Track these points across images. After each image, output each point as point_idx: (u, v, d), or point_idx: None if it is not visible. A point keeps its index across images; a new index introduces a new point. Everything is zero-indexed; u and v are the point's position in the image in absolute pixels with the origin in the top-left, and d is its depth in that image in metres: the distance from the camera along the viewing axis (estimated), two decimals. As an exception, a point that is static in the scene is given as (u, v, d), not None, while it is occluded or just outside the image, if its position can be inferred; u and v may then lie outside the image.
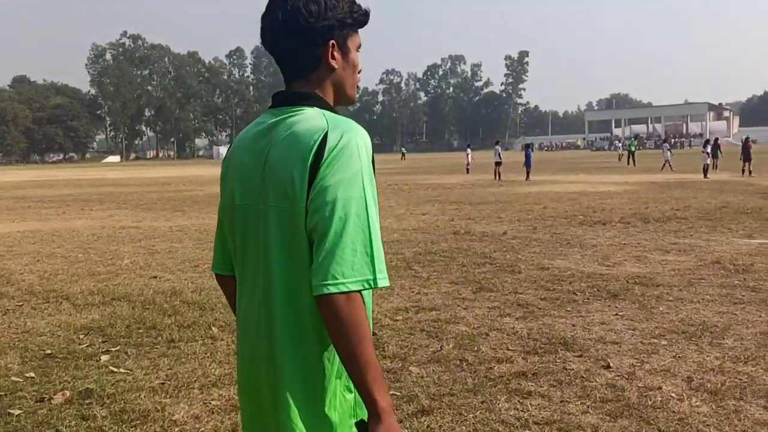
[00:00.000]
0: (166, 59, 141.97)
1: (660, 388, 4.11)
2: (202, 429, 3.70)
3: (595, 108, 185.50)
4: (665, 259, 8.50)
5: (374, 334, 5.38)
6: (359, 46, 1.63)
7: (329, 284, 1.36)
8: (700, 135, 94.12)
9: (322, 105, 1.55)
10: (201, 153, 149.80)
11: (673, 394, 4.00)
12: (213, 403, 4.02)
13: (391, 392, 4.10)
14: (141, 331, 5.67)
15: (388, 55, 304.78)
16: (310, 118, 1.49)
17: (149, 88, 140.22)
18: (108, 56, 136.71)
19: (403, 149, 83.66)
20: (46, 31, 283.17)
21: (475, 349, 4.96)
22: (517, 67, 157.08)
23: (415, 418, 3.72)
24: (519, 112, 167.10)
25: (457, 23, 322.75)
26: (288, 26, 1.51)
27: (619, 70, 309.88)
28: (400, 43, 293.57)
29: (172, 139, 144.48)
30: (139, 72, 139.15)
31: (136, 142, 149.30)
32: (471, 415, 3.74)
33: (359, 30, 1.62)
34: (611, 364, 4.55)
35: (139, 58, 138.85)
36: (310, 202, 1.41)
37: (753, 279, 7.14)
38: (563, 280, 7.36)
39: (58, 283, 7.82)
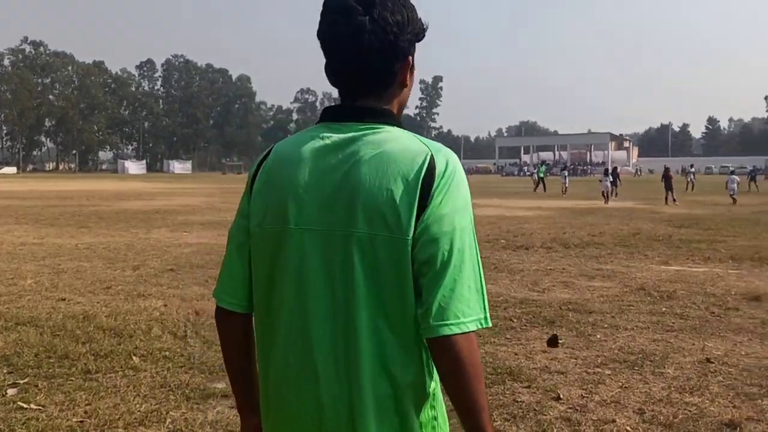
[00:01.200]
0: (70, 67, 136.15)
1: (614, 420, 4.02)
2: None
3: (505, 135, 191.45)
4: (592, 285, 8.60)
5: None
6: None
7: (451, 324, 1.24)
8: (603, 163, 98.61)
9: (400, 125, 1.38)
10: (105, 167, 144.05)
11: (628, 428, 3.92)
12: (142, 444, 3.62)
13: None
14: (52, 360, 5.13)
15: (303, 74, 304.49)
16: (401, 138, 1.33)
17: (51, 97, 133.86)
18: (6, 62, 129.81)
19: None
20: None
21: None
22: (432, 91, 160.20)
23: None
24: (433, 135, 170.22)
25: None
26: (374, 38, 1.31)
27: (528, 99, 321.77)
28: (315, 62, 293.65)
29: (74, 151, 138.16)
30: (40, 80, 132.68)
31: (35, 153, 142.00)
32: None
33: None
34: (561, 396, 4.44)
35: (41, 65, 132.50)
36: (422, 231, 1.26)
37: (678, 306, 7.28)
38: (498, 306, 7.28)
39: (-49, 306, 7.08)
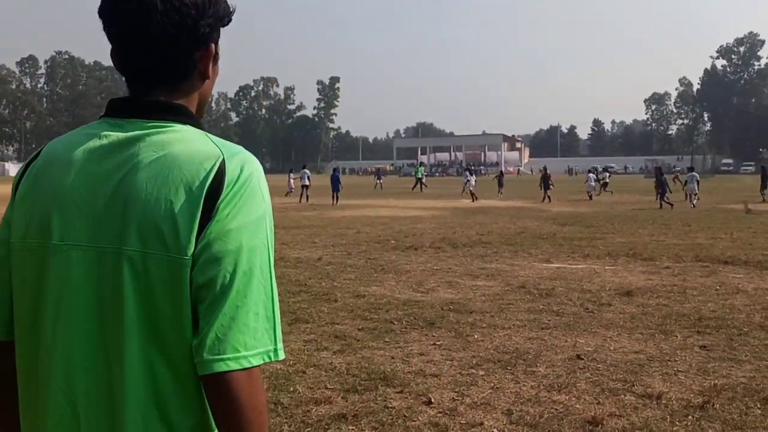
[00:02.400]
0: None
1: (482, 423, 4.00)
2: None
3: (403, 136, 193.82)
4: (475, 284, 8.70)
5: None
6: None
7: (228, 359, 1.03)
8: (497, 163, 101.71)
9: (196, 123, 1.18)
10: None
11: (495, 430, 3.90)
12: None
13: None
14: None
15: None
16: (192, 140, 1.13)
17: None
18: None
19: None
20: None
21: (291, 389, 4.57)
22: (329, 92, 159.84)
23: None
24: (331, 136, 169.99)
25: (269, 45, 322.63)
26: (166, 20, 1.11)
27: (425, 100, 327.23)
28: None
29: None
30: None
31: None
32: (288, 472, 3.35)
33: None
34: (432, 400, 4.39)
35: None
36: (202, 249, 1.05)
37: (555, 303, 7.46)
38: (380, 308, 7.20)
39: None
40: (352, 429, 3.89)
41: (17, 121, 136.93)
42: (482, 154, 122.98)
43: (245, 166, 1.11)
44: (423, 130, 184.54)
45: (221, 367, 1.02)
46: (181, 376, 1.08)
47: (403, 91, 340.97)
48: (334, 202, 28.27)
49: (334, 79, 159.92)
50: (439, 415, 4.14)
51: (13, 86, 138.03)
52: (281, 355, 1.10)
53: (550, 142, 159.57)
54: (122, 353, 1.06)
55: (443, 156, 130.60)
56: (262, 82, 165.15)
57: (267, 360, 1.07)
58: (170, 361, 1.07)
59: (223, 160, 1.10)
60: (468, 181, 33.42)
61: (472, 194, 30.77)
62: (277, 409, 4.20)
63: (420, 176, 44.43)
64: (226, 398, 1.03)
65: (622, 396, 4.46)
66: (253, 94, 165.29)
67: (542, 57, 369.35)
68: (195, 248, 1.05)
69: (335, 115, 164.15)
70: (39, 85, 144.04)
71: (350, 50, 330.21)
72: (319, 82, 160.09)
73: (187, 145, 1.11)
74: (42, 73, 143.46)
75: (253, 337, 1.05)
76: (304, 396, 4.44)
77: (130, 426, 1.07)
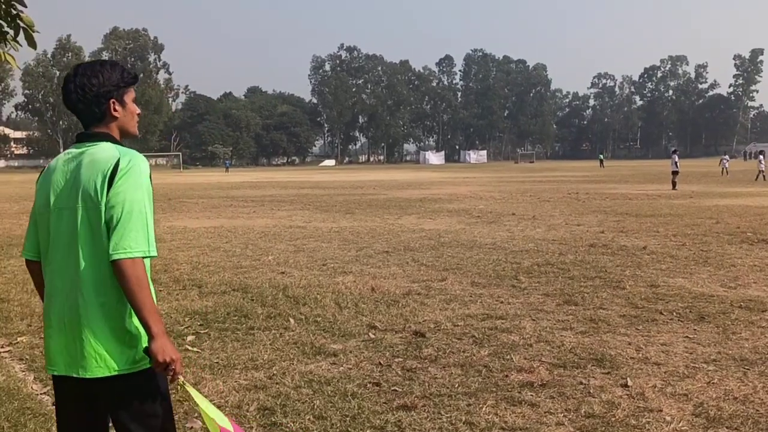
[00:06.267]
0: (380, 68, 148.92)
1: (660, 410, 4.02)
2: (224, 402, 4.33)
3: None
4: (802, 284, 7.72)
5: (423, 335, 5.72)
6: (134, 98, 2.42)
7: (121, 253, 2.13)
8: None
9: (113, 140, 2.30)
10: (408, 158, 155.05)
11: (667, 417, 3.91)
12: (241, 382, 4.66)
13: (393, 388, 4.46)
14: (234, 318, 6.50)
15: (599, 58, 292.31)
16: (107, 149, 2.28)
17: (363, 96, 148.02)
18: (327, 67, 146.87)
19: (601, 156, 78.41)
20: (274, 45, 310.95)
21: (507, 357, 5.10)
22: (749, 67, 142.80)
23: (392, 412, 4.05)
24: (750, 116, 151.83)
25: (678, 22, 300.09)
26: (80, 94, 2.30)
27: None
28: (612, 46, 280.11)
29: (383, 144, 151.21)
30: (354, 81, 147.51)
31: (350, 146, 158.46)
32: (446, 416, 3.99)
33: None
34: (630, 384, 4.48)
35: (355, 68, 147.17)
36: (108, 202, 2.18)
37: None
38: (663, 299, 7.05)
39: (202, 274, 9.03)
40: (531, 395, 4.30)
41: (436, 115, 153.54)
42: None
43: (131, 160, 2.21)
44: None
45: (119, 257, 2.13)
46: (106, 266, 2.18)
47: None
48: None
49: (757, 52, 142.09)
50: (623, 396, 4.26)
51: (434, 84, 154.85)
52: (153, 253, 2.20)
53: None
54: (79, 256, 2.20)
55: None
56: (669, 62, 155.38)
57: (143, 255, 2.16)
58: (103, 259, 2.18)
59: (119, 158, 2.21)
60: None
61: None
62: (482, 371, 4.80)
63: None
64: (121, 274, 2.13)
65: None
66: (659, 75, 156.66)
67: None
68: (104, 200, 2.17)
69: (756, 92, 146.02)
70: (454, 82, 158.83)
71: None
72: (737, 57, 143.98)
73: (104, 152, 2.24)
74: (458, 70, 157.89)
75: (135, 242, 2.15)
76: (513, 364, 4.94)
77: (87, 293, 2.20)
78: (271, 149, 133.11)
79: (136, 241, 2.14)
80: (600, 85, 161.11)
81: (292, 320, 6.34)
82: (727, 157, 49.07)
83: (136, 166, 2.21)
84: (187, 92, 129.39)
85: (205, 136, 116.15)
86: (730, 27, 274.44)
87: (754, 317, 6.23)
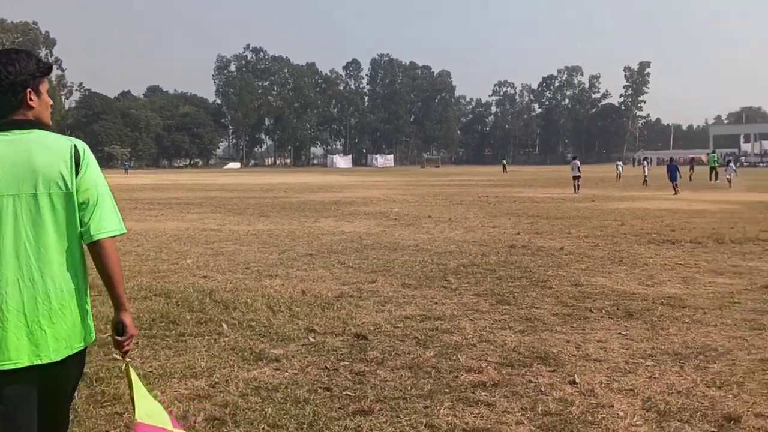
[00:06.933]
0: (286, 70, 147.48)
1: (612, 406, 4.09)
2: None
3: (725, 122, 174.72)
4: (713, 281, 8.16)
5: (365, 338, 5.62)
6: (48, 89, 2.41)
7: (104, 233, 2.33)
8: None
9: (45, 128, 2.34)
10: (316, 161, 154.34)
11: (620, 412, 3.98)
12: (182, 391, 4.39)
13: (345, 392, 4.33)
14: (162, 324, 6.16)
15: (501, 67, 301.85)
16: (48, 135, 2.30)
17: (270, 98, 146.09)
18: (232, 67, 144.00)
19: (504, 161, 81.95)
20: (176, 43, 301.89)
21: (453, 358, 5.07)
22: (637, 78, 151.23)
23: (350, 418, 3.92)
24: (638, 125, 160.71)
25: (572, 34, 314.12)
26: None
27: (753, 82, 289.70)
28: (512, 55, 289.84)
29: (289, 147, 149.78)
30: (260, 83, 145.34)
31: (256, 149, 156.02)
32: (406, 419, 3.90)
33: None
34: (578, 381, 4.55)
35: (261, 69, 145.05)
36: (78, 187, 2.30)
37: (794, 306, 6.75)
38: (589, 297, 7.26)
39: (118, 278, 8.53)
40: (485, 395, 4.28)
41: (343, 119, 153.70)
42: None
43: (85, 147, 2.36)
44: (749, 115, 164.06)
45: (103, 236, 2.32)
46: (73, 249, 2.30)
47: (725, 72, 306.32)
48: (676, 192, 27.97)
49: (644, 64, 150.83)
50: (574, 393, 4.31)
51: (341, 87, 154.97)
52: (124, 230, 2.43)
53: None
54: (47, 241, 2.23)
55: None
56: (566, 72, 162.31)
57: (119, 233, 2.38)
58: (70, 241, 2.28)
59: (74, 145, 2.31)
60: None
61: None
62: (431, 372, 4.75)
63: (714, 165, 40.24)
64: (105, 252, 2.32)
65: None
66: (556, 84, 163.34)
67: None
68: (75, 186, 2.27)
69: (644, 102, 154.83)
70: (361, 86, 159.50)
71: (665, 30, 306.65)
72: (627, 68, 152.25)
73: (50, 139, 2.28)
74: (364, 75, 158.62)
75: (112, 223, 2.36)
76: (461, 364, 4.92)
77: (58, 278, 2.26)
78: (172, 151, 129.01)
79: (113, 221, 2.36)
80: (501, 93, 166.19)
81: (225, 325, 6.07)
82: (621, 163, 51.83)
83: (88, 151, 2.36)
84: (82, 90, 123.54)
85: (102, 136, 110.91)
86: (620, 40, 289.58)
87: (677, 313, 6.49)
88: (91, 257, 2.38)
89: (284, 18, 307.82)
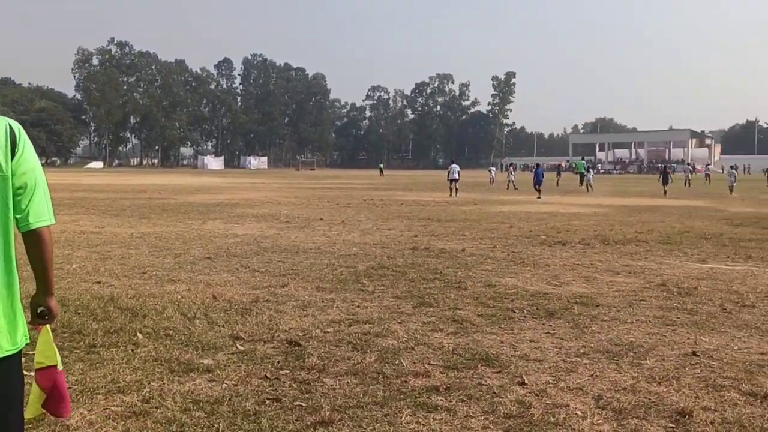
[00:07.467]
0: (154, 67, 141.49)
1: (568, 405, 4.10)
2: (97, 434, 3.63)
3: (581, 131, 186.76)
4: (613, 281, 8.54)
5: (299, 344, 5.35)
6: None
7: (42, 221, 2.21)
8: (683, 161, 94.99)
9: None
10: (186, 162, 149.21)
11: (578, 412, 3.99)
12: (114, 409, 3.95)
13: (296, 403, 4.06)
14: (66, 335, 5.57)
15: (375, 72, 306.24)
16: None
17: (136, 95, 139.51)
18: (95, 61, 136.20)
19: (381, 165, 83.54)
20: (31, 33, 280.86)
21: (396, 362, 4.92)
22: (504, 87, 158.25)
23: (311, 430, 3.67)
24: (505, 132, 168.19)
25: (446, 42, 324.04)
26: None
27: (606, 94, 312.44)
28: (387, 61, 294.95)
29: (157, 147, 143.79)
30: (125, 79, 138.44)
31: (121, 148, 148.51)
32: (370, 428, 3.70)
33: None
34: (527, 381, 4.53)
35: (127, 65, 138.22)
36: (15, 170, 2.15)
37: (692, 302, 7.17)
38: (506, 297, 7.35)
39: (-2, 285, 7.68)
40: (441, 400, 4.16)
41: (215, 119, 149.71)
42: (666, 150, 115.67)
43: (20, 128, 2.20)
44: (602, 125, 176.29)
45: (38, 225, 2.20)
46: (6, 239, 2.17)
47: (583, 84, 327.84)
48: (539, 195, 29.23)
49: (510, 74, 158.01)
50: (528, 394, 4.29)
51: (212, 86, 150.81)
52: (54, 221, 2.28)
53: (746, 139, 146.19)
54: None
55: (623, 153, 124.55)
56: (437, 79, 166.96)
57: (52, 223, 2.24)
58: (6, 230, 2.17)
59: (8, 125, 2.16)
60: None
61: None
62: (379, 378, 4.57)
63: (581, 171, 43.10)
64: (42, 242, 2.22)
65: (726, 392, 4.33)
66: (428, 90, 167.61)
67: (739, 46, 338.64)
68: (10, 168, 2.14)
69: (510, 110, 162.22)
70: (233, 86, 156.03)
71: (530, 42, 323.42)
72: (494, 78, 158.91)
73: None
74: (237, 74, 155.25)
75: (47, 211, 2.24)
76: (405, 368, 4.77)
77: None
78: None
79: (49, 210, 2.24)
80: (375, 98, 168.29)
81: (139, 335, 5.57)
82: (494, 168, 54.16)
83: (24, 132, 2.20)
84: None
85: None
86: (489, 50, 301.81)
87: (594, 312, 6.70)
88: (24, 247, 2.24)
89: (151, 12, 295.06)
